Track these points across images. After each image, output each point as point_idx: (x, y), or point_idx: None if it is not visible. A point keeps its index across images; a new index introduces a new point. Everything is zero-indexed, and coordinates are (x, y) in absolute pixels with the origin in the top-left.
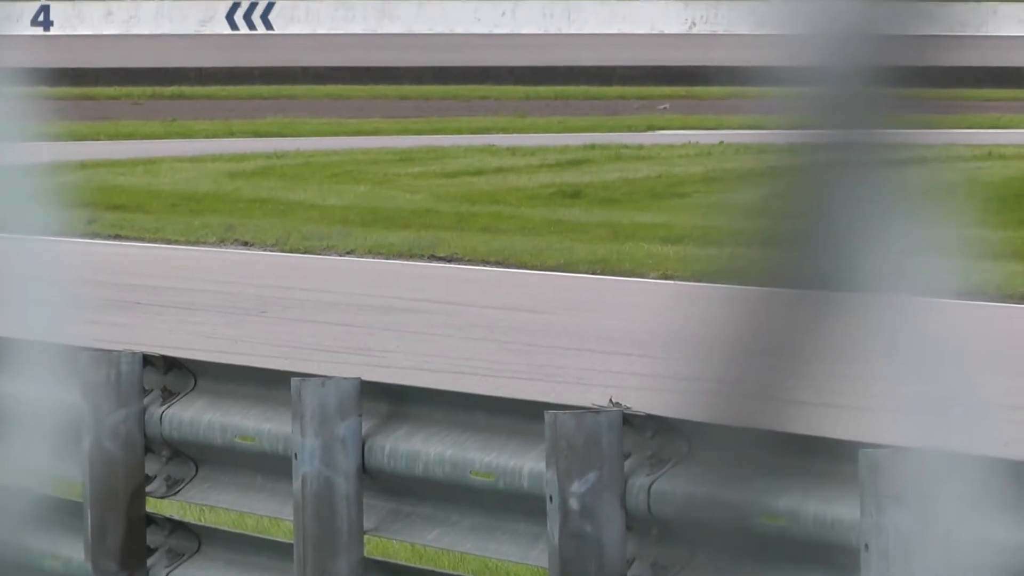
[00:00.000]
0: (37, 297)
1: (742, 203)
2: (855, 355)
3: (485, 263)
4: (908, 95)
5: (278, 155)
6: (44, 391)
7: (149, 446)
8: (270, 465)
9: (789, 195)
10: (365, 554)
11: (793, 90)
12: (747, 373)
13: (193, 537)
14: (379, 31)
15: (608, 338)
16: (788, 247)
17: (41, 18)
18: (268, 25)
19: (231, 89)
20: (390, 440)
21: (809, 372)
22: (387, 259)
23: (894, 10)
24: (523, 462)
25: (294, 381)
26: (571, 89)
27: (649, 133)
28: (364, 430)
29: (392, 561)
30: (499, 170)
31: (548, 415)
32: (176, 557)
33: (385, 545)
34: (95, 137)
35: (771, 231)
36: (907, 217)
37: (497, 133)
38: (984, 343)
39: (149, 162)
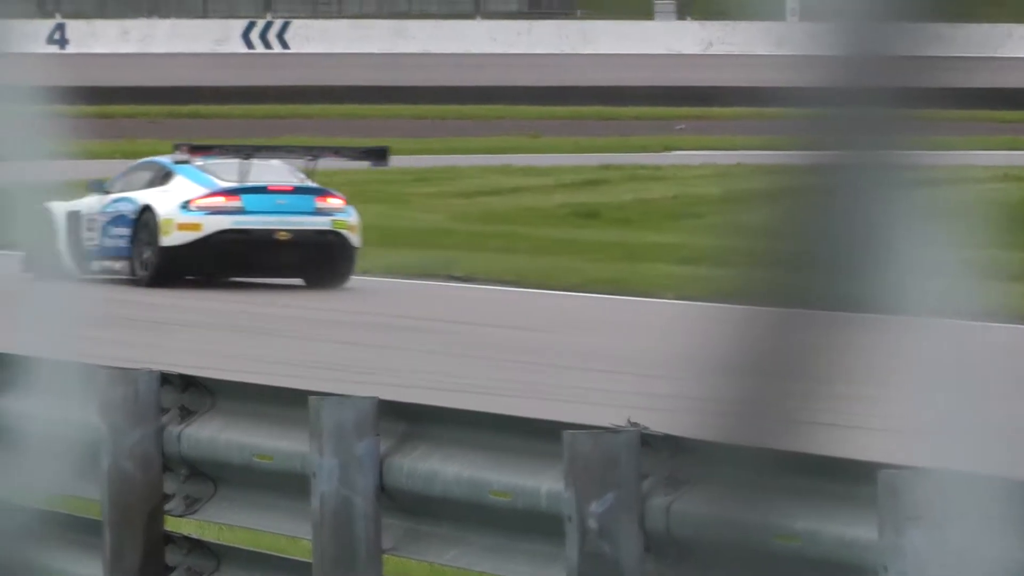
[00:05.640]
0: (55, 317)
1: (758, 224)
2: (870, 376)
3: (501, 283)
4: (923, 116)
5: None
6: (63, 410)
7: (167, 465)
8: (288, 484)
9: (804, 216)
10: (383, 574)
11: (809, 111)
12: (762, 394)
13: (212, 556)
14: (395, 51)
15: (624, 358)
16: (804, 268)
17: (57, 36)
18: (284, 44)
19: (247, 108)
20: (408, 460)
21: (824, 393)
22: (403, 279)
23: (909, 31)
24: (541, 482)
25: (312, 400)
26: (587, 109)
27: (665, 153)
28: (382, 449)
29: None
30: (515, 190)
31: (566, 435)
32: None
33: (403, 565)
34: (111, 156)
35: (787, 252)
36: (922, 238)
37: (513, 153)
38: (1000, 364)
39: None
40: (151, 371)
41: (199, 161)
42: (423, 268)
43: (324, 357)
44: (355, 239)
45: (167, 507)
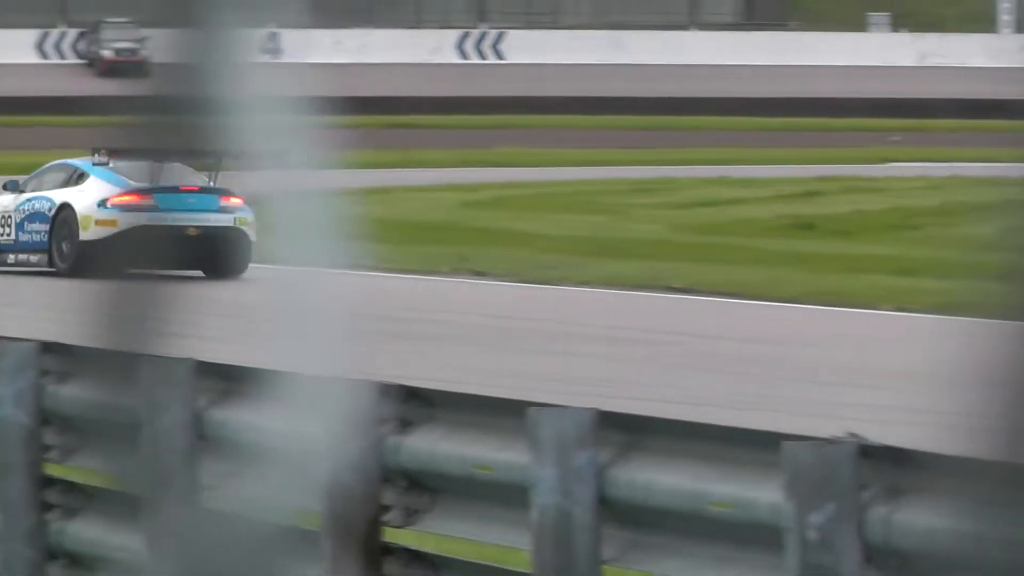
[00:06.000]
0: (305, 328)
1: (980, 236)
2: None
3: (719, 294)
4: None
5: (511, 185)
6: (289, 421)
7: (386, 476)
8: (507, 495)
9: None
10: None
11: None
12: (1001, 407)
13: (431, 567)
14: (611, 61)
15: (842, 369)
16: None
17: (271, 46)
18: (498, 55)
19: (463, 118)
20: (627, 470)
21: None
22: (622, 290)
23: None
24: (760, 493)
25: (532, 411)
26: (804, 120)
27: (882, 165)
28: (601, 460)
29: None
30: (732, 201)
31: (786, 446)
32: None
33: None
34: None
35: (1014, 264)
36: None
37: (730, 164)
38: None
39: (382, 192)
40: (371, 381)
41: (111, 164)
42: (643, 280)
43: (540, 368)
44: (253, 235)
45: (386, 518)
